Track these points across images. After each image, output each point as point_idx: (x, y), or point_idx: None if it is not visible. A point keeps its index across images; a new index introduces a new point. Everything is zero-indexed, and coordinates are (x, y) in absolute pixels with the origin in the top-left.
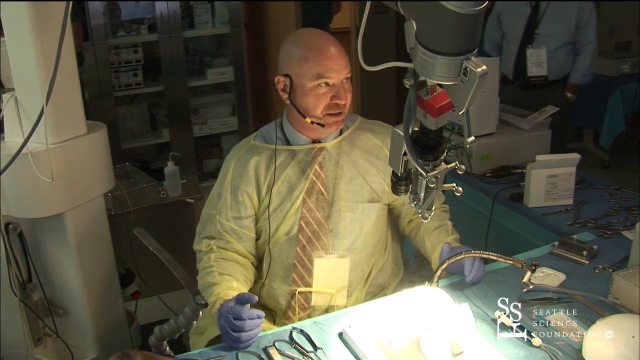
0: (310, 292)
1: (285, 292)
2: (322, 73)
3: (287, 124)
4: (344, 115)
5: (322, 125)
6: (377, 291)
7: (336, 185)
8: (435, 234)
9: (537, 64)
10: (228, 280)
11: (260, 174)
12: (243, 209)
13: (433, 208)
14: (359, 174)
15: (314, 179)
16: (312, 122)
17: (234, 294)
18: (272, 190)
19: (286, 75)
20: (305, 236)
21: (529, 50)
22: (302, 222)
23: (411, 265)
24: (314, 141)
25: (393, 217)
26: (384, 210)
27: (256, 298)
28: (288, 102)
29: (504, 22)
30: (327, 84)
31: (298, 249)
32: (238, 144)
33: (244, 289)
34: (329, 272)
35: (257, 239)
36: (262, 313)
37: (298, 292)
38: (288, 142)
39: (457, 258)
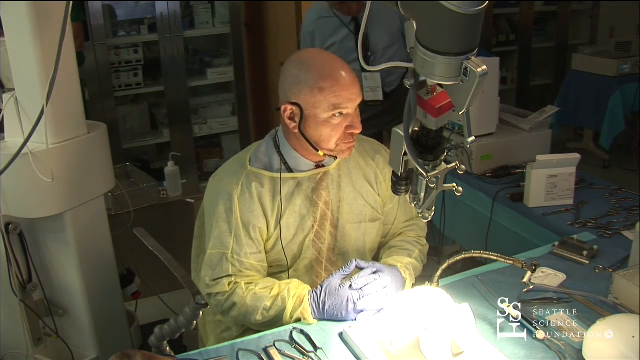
0: None
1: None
2: (338, 104)
3: (288, 147)
4: (355, 142)
5: (335, 157)
6: None
7: (340, 208)
8: (393, 251)
9: (374, 87)
10: (288, 281)
11: (266, 207)
12: (257, 244)
13: (433, 208)
14: (359, 194)
15: (322, 206)
16: (324, 155)
17: (306, 287)
18: (281, 224)
19: (294, 104)
20: (321, 266)
21: (363, 75)
22: (315, 251)
23: None
24: (317, 165)
25: None
26: (382, 227)
27: None
28: (296, 131)
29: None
30: (341, 113)
31: (315, 278)
32: (228, 167)
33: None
34: None
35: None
36: None
37: None
38: (289, 168)
39: (458, 258)
